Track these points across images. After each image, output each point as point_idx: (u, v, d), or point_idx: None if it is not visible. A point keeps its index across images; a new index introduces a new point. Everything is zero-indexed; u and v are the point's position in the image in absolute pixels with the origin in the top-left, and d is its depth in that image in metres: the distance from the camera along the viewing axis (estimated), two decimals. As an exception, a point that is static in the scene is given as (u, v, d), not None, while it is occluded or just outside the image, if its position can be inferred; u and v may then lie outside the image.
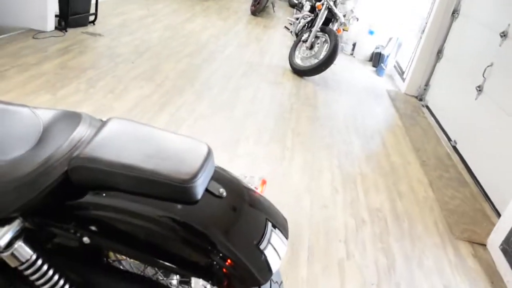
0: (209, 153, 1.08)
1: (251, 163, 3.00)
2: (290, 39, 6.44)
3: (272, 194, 2.71)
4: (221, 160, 2.90)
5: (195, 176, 0.99)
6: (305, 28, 5.66)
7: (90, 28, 5.19)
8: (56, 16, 4.89)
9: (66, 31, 4.87)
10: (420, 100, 5.33)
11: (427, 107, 5.10)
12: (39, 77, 3.64)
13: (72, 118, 1.16)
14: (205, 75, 4.52)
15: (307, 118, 3.99)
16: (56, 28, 4.88)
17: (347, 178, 3.12)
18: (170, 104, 3.64)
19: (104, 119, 1.21)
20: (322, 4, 5.18)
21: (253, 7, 8.24)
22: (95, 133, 1.09)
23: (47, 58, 4.07)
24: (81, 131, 1.10)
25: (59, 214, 1.05)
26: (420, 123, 4.64)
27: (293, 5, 9.02)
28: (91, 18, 5.32)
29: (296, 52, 5.28)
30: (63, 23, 4.88)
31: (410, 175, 3.42)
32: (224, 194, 1.10)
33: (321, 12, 5.15)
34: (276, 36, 6.93)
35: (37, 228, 1.06)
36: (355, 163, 3.39)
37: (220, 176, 1.16)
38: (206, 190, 1.06)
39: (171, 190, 0.98)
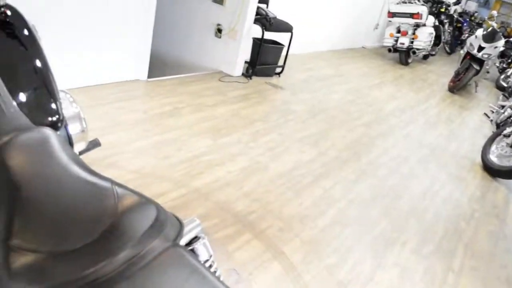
0: None
1: (399, 279, 2.43)
2: (488, 129, 5.54)
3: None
4: (362, 269, 2.42)
5: None
6: (510, 120, 4.76)
7: (274, 80, 5.24)
8: (246, 62, 5.07)
9: (251, 78, 4.99)
10: None
11: None
12: (208, 120, 3.69)
13: (147, 215, 0.90)
14: (376, 151, 4.06)
15: (489, 235, 3.19)
16: (243, 74, 5.05)
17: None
18: (327, 177, 3.29)
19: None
20: (540, 98, 4.28)
21: (452, 83, 7.46)
22: (150, 260, 0.80)
23: (223, 103, 4.16)
24: (142, 242, 0.83)
25: None
26: None
27: (500, 88, 7.94)
28: (278, 70, 5.38)
29: (493, 147, 4.43)
30: (250, 71, 5.02)
31: None
32: None
33: (536, 107, 4.25)
34: (471, 121, 6.05)
35: None
36: (545, 317, 2.50)
37: None
38: None
39: None
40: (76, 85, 3.63)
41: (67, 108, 1.31)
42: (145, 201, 0.95)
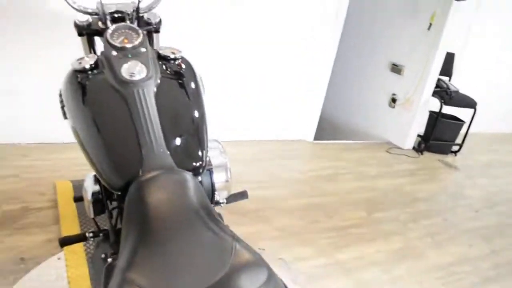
0: None
1: None
2: None
3: None
4: None
5: None
6: None
7: (449, 158, 4.80)
8: (418, 136, 4.77)
9: (422, 153, 4.66)
10: None
11: None
12: (367, 191, 3.51)
13: (257, 278, 0.84)
14: None
15: None
16: (413, 148, 4.75)
17: None
18: (498, 282, 2.76)
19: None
20: None
21: None
22: None
23: (386, 174, 3.93)
24: None
25: None
26: None
27: None
28: (455, 148, 4.92)
29: None
30: (422, 145, 4.70)
31: None
32: None
33: None
34: None
35: None
36: None
37: None
38: None
39: None
40: (245, 138, 3.86)
41: (216, 157, 1.36)
42: (258, 262, 0.89)
